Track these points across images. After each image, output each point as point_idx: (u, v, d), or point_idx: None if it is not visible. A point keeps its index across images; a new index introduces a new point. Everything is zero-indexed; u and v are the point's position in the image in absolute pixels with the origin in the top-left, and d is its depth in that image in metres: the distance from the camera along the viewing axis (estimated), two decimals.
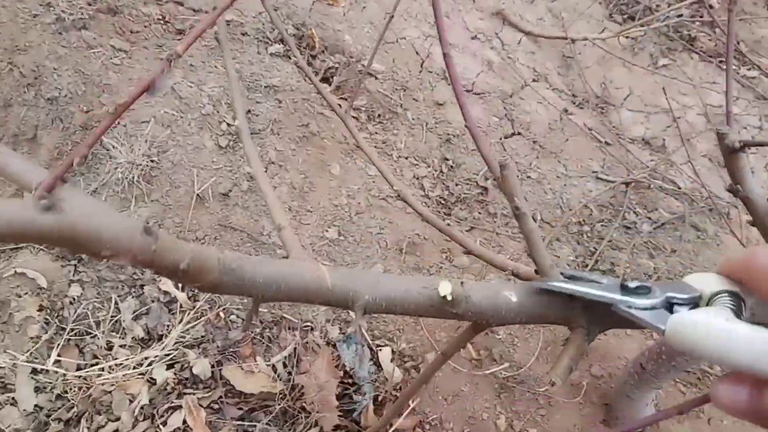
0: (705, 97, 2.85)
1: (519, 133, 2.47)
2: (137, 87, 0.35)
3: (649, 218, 2.32)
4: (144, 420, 1.58)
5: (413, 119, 2.33)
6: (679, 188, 2.43)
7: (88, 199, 0.36)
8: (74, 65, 1.94)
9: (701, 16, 3.11)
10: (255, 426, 1.60)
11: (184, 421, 1.60)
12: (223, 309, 1.73)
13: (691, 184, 2.49)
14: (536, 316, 0.50)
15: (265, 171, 1.90)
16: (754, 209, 0.68)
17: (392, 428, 1.63)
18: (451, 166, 2.23)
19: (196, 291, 1.75)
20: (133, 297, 1.70)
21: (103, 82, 1.94)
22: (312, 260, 0.49)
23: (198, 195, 1.83)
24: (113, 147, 1.80)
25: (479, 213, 2.12)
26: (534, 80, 2.73)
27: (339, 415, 1.59)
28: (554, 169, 2.38)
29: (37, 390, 1.55)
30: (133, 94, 0.36)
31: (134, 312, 1.66)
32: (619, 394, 1.62)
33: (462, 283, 0.48)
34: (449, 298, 0.47)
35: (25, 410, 1.52)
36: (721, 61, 3.02)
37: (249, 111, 2.01)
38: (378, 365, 1.74)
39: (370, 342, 1.76)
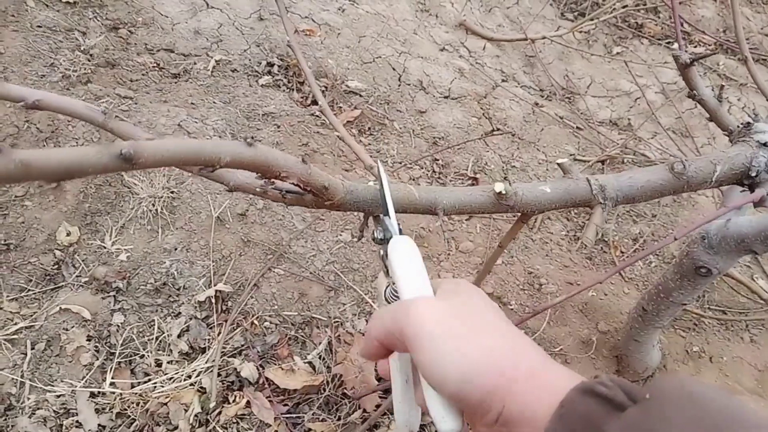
0: (659, 76, 3.10)
1: (498, 129, 2.67)
2: None
3: None
4: (200, 426, 1.70)
5: (401, 128, 2.52)
6: (650, 159, 2.65)
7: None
8: None
9: (645, 4, 3.39)
10: (302, 417, 1.73)
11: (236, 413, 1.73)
12: (257, 317, 1.87)
13: (660, 155, 2.72)
14: (565, 201, 0.67)
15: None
16: (708, 107, 0.88)
17: None
18: (442, 165, 2.41)
19: (229, 305, 1.89)
20: (172, 317, 1.83)
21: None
22: (403, 183, 0.66)
23: (218, 218, 1.97)
24: (135, 185, 1.95)
25: None
26: (503, 80, 2.95)
27: (380, 396, 1.73)
28: (534, 157, 2.59)
29: (97, 411, 1.66)
30: None
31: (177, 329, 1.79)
32: (627, 340, 1.79)
33: (511, 183, 0.66)
34: (503, 192, 0.64)
35: (90, 430, 1.63)
36: (668, 43, 3.28)
37: (252, 137, 2.17)
38: None
39: None
